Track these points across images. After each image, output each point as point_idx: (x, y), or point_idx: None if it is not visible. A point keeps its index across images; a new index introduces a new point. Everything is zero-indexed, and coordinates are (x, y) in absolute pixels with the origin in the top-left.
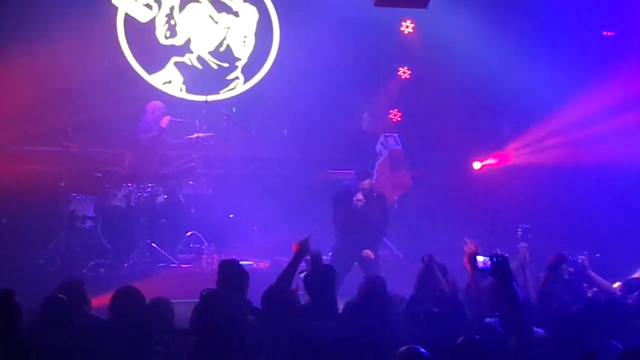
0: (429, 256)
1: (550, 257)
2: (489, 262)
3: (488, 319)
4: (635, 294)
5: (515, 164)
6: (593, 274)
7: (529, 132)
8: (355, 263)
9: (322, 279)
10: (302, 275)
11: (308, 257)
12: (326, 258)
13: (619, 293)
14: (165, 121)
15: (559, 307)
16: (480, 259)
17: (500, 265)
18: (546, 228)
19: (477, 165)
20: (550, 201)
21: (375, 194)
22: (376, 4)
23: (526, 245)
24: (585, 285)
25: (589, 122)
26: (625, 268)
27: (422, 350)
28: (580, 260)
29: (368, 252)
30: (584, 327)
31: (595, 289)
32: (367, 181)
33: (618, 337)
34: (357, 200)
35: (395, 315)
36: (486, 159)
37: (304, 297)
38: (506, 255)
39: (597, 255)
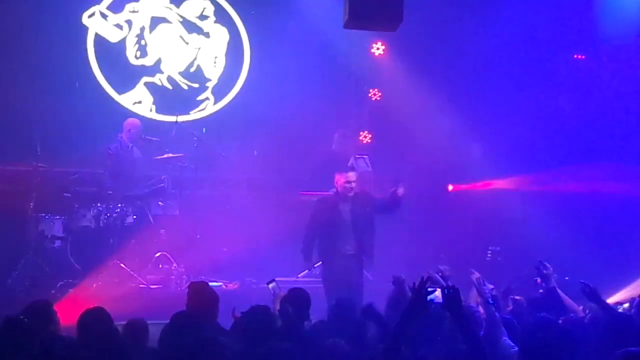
0: (399, 278)
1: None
2: (441, 295)
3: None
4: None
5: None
6: (561, 293)
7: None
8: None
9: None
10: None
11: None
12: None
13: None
14: None
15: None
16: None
17: (451, 297)
18: (515, 251)
19: (449, 187)
20: (521, 224)
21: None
22: (345, 27)
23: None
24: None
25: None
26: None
27: None
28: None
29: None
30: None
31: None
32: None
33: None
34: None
35: (364, 337)
36: (464, 186)
37: None
38: (457, 287)
39: (567, 278)
